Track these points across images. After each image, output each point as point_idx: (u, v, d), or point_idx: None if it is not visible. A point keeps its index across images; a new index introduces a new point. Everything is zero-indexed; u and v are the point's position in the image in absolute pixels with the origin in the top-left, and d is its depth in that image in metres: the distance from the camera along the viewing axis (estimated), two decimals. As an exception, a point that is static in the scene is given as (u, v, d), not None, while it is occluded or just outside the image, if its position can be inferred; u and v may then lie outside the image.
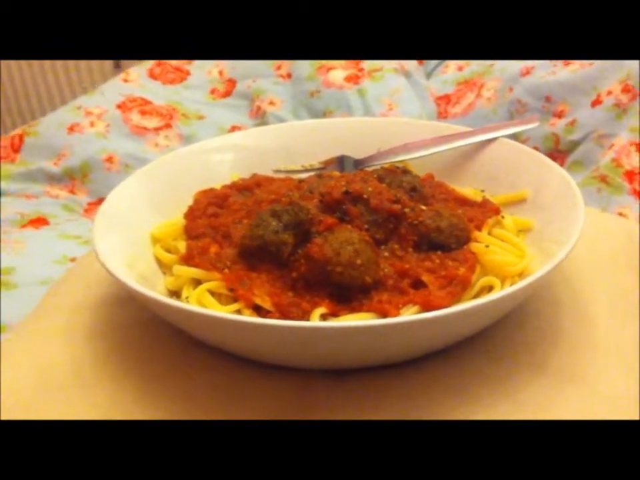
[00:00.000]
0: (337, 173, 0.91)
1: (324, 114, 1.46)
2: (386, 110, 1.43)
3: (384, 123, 1.01)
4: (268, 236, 0.71)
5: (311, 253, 0.68)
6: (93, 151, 1.41)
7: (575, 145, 1.29)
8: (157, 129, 1.48)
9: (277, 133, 0.99)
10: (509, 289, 0.62)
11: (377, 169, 0.84)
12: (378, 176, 0.80)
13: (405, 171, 0.82)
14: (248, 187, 0.86)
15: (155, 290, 0.74)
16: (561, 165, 1.27)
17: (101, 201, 1.34)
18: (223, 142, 0.97)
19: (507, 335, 0.72)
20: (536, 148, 1.28)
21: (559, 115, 1.33)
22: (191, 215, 0.81)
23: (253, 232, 0.72)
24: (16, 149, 1.45)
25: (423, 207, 0.76)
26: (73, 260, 1.05)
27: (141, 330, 0.76)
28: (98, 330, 0.77)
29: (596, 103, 1.28)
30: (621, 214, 1.11)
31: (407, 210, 0.75)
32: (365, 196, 0.74)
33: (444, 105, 1.52)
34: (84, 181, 1.40)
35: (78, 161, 1.40)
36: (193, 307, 0.64)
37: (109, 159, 1.40)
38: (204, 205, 0.82)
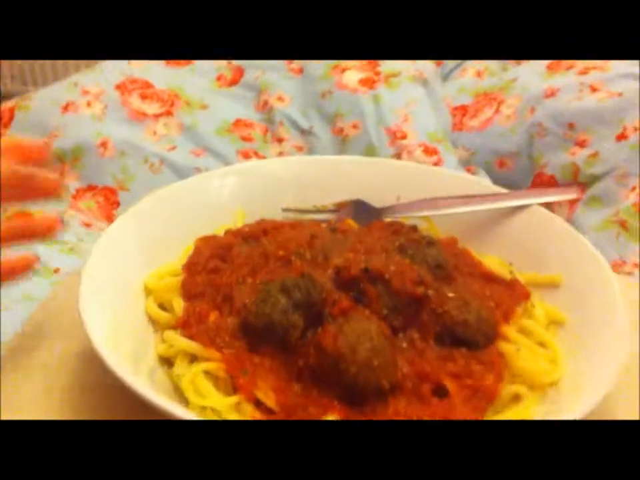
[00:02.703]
0: (352, 223, 0.84)
1: (334, 117, 1.38)
2: (401, 121, 1.35)
3: (406, 167, 0.94)
4: (275, 316, 0.64)
5: (323, 344, 0.61)
6: (87, 133, 1.32)
7: (595, 178, 1.22)
8: (156, 116, 1.39)
9: (286, 166, 0.92)
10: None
11: (399, 233, 0.77)
12: (399, 245, 0.73)
13: (430, 242, 0.74)
14: (254, 235, 0.79)
15: (147, 355, 0.68)
16: (579, 199, 1.21)
17: (90, 188, 1.28)
18: (226, 173, 0.91)
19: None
20: (553, 176, 1.22)
21: (581, 145, 1.26)
22: (190, 268, 0.74)
23: (259, 308, 0.65)
24: (5, 124, 1.36)
25: (450, 294, 0.69)
26: (56, 271, 0.97)
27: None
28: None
29: (621, 137, 1.21)
30: (636, 264, 1.06)
31: (430, 292, 0.68)
32: (387, 276, 0.67)
33: (460, 116, 1.44)
34: (75, 165, 1.31)
35: (70, 143, 1.31)
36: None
37: (103, 144, 1.31)
38: (205, 257, 0.75)
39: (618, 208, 1.14)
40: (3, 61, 2.62)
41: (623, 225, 1.11)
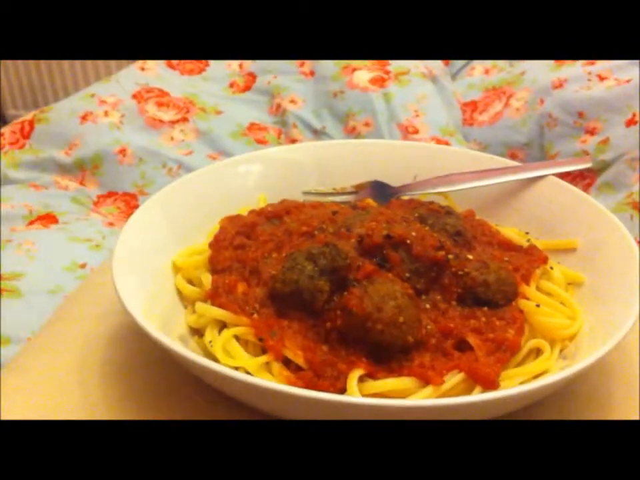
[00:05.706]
0: (371, 202, 0.86)
1: (347, 116, 1.40)
2: (412, 117, 1.37)
3: (421, 148, 0.95)
4: (302, 281, 0.66)
5: (350, 305, 0.63)
6: (106, 142, 1.34)
7: (606, 165, 1.24)
8: (172, 122, 1.42)
9: (306, 151, 0.93)
10: (565, 373, 0.56)
11: (419, 207, 0.78)
12: (419, 216, 0.75)
13: (449, 212, 0.76)
14: (277, 215, 0.81)
15: (176, 329, 0.70)
16: (591, 184, 1.22)
17: (111, 194, 1.31)
18: (249, 159, 0.91)
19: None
20: (565, 165, 1.23)
21: (591, 132, 1.27)
22: (216, 245, 0.76)
23: (286, 276, 0.67)
24: (25, 135, 1.39)
25: (469, 256, 0.71)
26: (82, 266, 1.00)
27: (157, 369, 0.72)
28: (111, 368, 0.72)
29: (630, 122, 1.23)
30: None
31: (450, 257, 0.70)
32: (408, 241, 0.68)
33: (470, 111, 1.46)
34: (95, 173, 1.33)
35: (89, 151, 1.33)
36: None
37: (122, 152, 1.34)
38: (231, 234, 0.77)
39: (630, 191, 1.15)
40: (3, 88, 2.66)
41: (636, 206, 1.11)
